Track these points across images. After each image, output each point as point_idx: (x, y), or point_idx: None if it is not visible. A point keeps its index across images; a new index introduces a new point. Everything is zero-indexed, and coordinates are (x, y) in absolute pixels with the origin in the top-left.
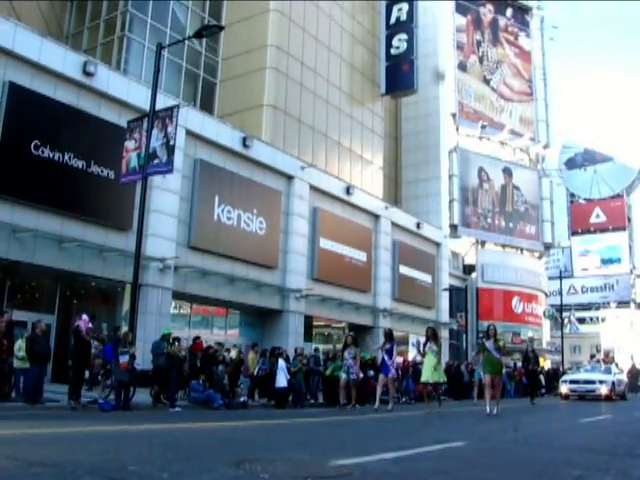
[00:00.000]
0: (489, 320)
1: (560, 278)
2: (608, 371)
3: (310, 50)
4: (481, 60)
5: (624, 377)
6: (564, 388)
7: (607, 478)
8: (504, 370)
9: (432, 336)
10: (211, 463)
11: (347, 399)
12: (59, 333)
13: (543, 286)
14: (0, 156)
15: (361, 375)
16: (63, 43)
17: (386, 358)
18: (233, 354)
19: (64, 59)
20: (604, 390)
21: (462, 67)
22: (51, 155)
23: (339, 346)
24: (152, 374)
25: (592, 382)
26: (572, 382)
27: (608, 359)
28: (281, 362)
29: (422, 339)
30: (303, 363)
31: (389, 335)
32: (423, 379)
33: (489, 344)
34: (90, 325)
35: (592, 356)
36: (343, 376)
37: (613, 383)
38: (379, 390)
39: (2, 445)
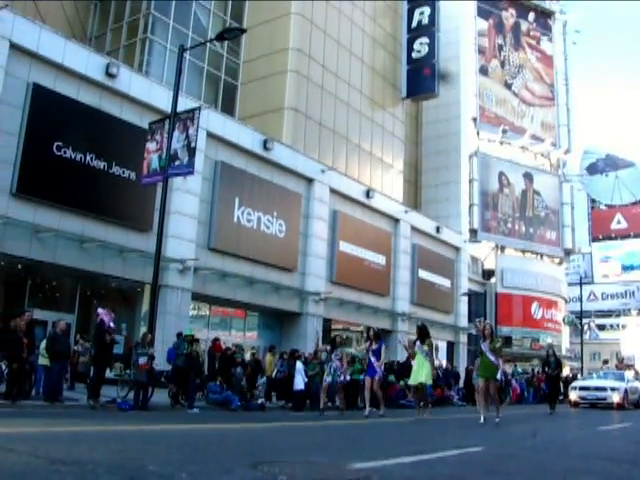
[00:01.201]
0: (509, 326)
1: (580, 284)
2: (621, 378)
3: (331, 53)
4: (503, 64)
5: (638, 384)
6: (573, 395)
7: None
8: (516, 375)
9: (422, 335)
10: (229, 464)
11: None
12: (79, 332)
13: (563, 292)
14: (23, 156)
15: (348, 377)
16: (86, 45)
17: (372, 359)
18: (247, 356)
19: (87, 61)
20: (616, 398)
21: (483, 71)
22: (73, 156)
23: (354, 348)
24: (170, 374)
25: (603, 389)
26: (582, 389)
27: (622, 365)
28: (299, 365)
29: (440, 344)
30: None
31: (376, 335)
32: (411, 382)
33: (484, 346)
34: (112, 325)
35: (605, 362)
36: (327, 379)
37: (626, 391)
38: (367, 394)
39: (24, 442)
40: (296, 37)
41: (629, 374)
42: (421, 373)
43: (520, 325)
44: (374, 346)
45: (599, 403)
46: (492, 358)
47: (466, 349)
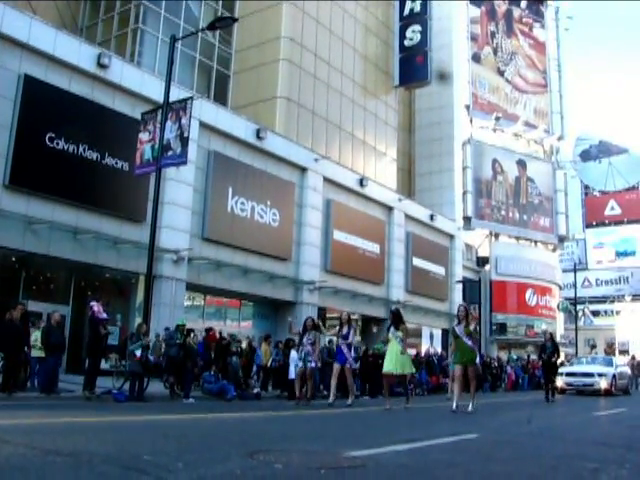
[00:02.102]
0: (503, 313)
1: (574, 271)
2: (609, 363)
3: (323, 42)
4: (495, 51)
5: (627, 370)
6: (559, 381)
7: (622, 472)
8: (511, 362)
9: (396, 320)
10: (225, 453)
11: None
12: (73, 324)
13: (557, 279)
14: (15, 148)
15: (319, 364)
16: (77, 36)
17: (342, 345)
18: (244, 345)
19: (79, 51)
20: (604, 384)
21: (476, 58)
22: (66, 147)
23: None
24: (164, 364)
25: (590, 375)
26: (568, 375)
27: (611, 350)
28: (293, 353)
29: (435, 331)
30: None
31: (346, 320)
32: (385, 369)
33: (459, 329)
34: (105, 315)
35: (592, 347)
36: (299, 364)
37: (614, 376)
38: (333, 382)
39: (19, 434)
40: (288, 26)
41: (619, 359)
42: (403, 361)
43: (515, 312)
44: (344, 331)
45: (586, 389)
46: (469, 342)
47: None
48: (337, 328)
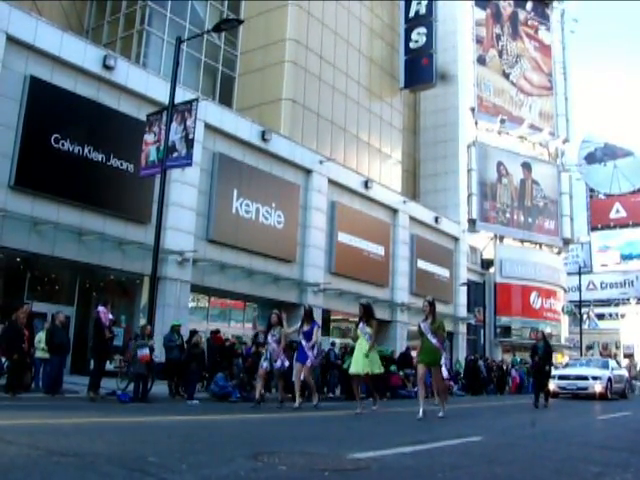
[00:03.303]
0: (507, 315)
1: (579, 274)
2: (605, 365)
3: (329, 44)
4: (500, 54)
5: (625, 373)
6: (552, 385)
7: (627, 475)
8: (516, 365)
9: (365, 315)
10: (229, 455)
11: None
12: (78, 325)
13: (562, 282)
14: (21, 149)
15: (287, 363)
16: (83, 37)
17: (303, 343)
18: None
19: (84, 53)
20: (598, 388)
21: (481, 61)
22: (71, 148)
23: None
24: (166, 367)
25: (584, 378)
26: (561, 378)
27: (607, 352)
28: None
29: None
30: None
31: (308, 315)
32: (352, 370)
33: (424, 326)
34: (111, 317)
35: (589, 347)
36: (264, 365)
37: (609, 379)
38: (296, 383)
39: (24, 435)
40: (293, 28)
41: (614, 362)
42: (371, 360)
43: (519, 315)
44: (305, 327)
45: (579, 393)
46: (434, 341)
47: (465, 339)
48: (298, 325)
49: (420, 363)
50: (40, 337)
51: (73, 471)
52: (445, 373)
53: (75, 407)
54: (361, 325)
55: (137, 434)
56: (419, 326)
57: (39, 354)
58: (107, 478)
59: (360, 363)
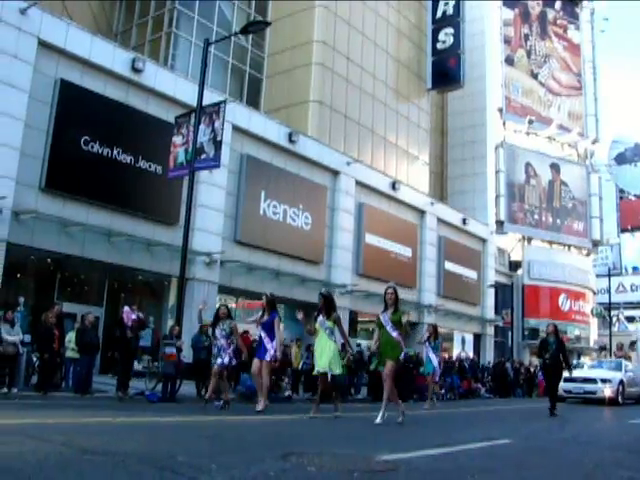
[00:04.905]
0: (535, 318)
1: (609, 276)
2: (618, 367)
3: (356, 45)
4: (529, 54)
5: None
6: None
7: None
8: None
9: (326, 307)
10: (258, 455)
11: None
12: (107, 325)
13: (591, 284)
14: (51, 152)
15: (234, 361)
16: (112, 40)
17: (262, 335)
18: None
19: (113, 56)
20: (607, 392)
21: (509, 61)
22: (100, 150)
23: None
24: (194, 368)
25: (593, 381)
26: (567, 381)
27: (621, 352)
28: None
29: (467, 336)
30: (349, 358)
31: (270, 304)
32: (318, 368)
33: (384, 317)
34: (134, 316)
35: (602, 348)
36: (218, 361)
37: (621, 383)
38: (257, 381)
39: (57, 433)
40: (320, 29)
41: (626, 363)
42: (331, 357)
43: (547, 317)
44: (265, 318)
45: (587, 397)
46: (394, 334)
47: (493, 341)
48: (259, 314)
49: (379, 364)
50: (70, 337)
51: (105, 469)
52: (437, 373)
53: (104, 406)
54: (320, 318)
55: (166, 434)
56: (378, 317)
57: (69, 354)
58: (138, 477)
59: (324, 359)
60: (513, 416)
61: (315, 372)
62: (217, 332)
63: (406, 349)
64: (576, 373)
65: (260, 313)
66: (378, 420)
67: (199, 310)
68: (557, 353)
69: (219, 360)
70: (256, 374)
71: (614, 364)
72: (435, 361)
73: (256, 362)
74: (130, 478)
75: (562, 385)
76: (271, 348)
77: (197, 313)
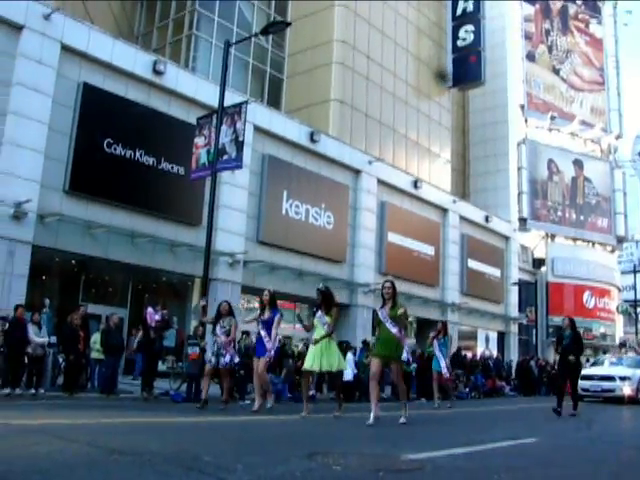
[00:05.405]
0: (560, 315)
1: (634, 272)
2: (637, 364)
3: (376, 44)
4: (550, 49)
5: None
6: None
7: None
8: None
9: (324, 302)
10: (284, 455)
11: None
12: (131, 326)
13: (616, 281)
14: (75, 155)
15: (236, 359)
16: (134, 43)
17: (262, 333)
18: (300, 347)
19: (135, 59)
20: (627, 390)
21: (530, 57)
22: (123, 152)
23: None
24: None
25: (611, 379)
26: (585, 378)
27: None
28: (349, 356)
29: (491, 334)
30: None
31: (271, 300)
32: (306, 365)
33: (382, 313)
34: (157, 317)
35: (622, 345)
36: (212, 361)
37: None
38: (255, 380)
39: (83, 433)
40: (340, 29)
41: None
42: (324, 356)
43: (572, 314)
44: (266, 315)
45: (605, 396)
46: (393, 330)
47: (517, 339)
48: (257, 312)
49: (375, 357)
50: (95, 338)
51: (132, 469)
52: (445, 370)
53: (129, 407)
54: (319, 313)
55: (192, 434)
56: (376, 313)
57: (94, 355)
58: (164, 476)
59: (318, 358)
60: (538, 414)
61: (305, 368)
62: (217, 329)
63: (414, 347)
64: (592, 371)
65: (259, 311)
66: (402, 420)
67: (201, 306)
68: (571, 344)
69: (221, 360)
70: (256, 372)
71: (635, 361)
72: (442, 360)
73: (256, 361)
74: (158, 478)
75: (579, 383)
76: (271, 346)
77: (198, 309)
